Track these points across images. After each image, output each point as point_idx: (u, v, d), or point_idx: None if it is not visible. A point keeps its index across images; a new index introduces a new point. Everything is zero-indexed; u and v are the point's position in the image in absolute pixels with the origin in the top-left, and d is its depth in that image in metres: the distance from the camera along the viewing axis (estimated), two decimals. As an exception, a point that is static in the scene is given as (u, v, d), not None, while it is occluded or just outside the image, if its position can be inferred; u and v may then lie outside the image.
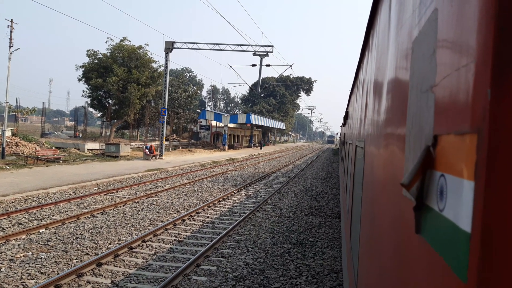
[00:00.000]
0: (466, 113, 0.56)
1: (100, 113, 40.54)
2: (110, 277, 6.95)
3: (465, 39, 0.58)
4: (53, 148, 27.98)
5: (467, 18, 0.58)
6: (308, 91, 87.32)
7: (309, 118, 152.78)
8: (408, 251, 0.93)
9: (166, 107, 29.91)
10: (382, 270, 1.43)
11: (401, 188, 1.03)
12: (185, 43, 30.51)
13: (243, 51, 30.69)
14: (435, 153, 0.71)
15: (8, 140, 26.05)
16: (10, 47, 24.26)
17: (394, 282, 1.14)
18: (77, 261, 7.56)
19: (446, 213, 0.62)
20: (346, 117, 10.37)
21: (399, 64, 1.29)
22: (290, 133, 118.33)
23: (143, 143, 35.64)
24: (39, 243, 8.44)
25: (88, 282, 6.67)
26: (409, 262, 0.92)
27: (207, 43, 30.48)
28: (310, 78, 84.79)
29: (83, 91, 37.63)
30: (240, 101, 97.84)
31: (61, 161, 23.24)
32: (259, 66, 32.40)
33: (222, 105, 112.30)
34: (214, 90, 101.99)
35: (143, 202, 13.31)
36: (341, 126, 22.27)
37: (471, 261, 0.50)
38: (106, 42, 36.37)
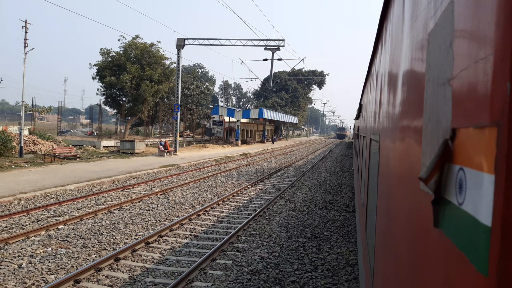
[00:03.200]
0: (485, 106, 0.56)
1: (115, 111, 41.01)
2: (128, 271, 7.07)
3: (483, 31, 0.58)
4: (70, 146, 28.44)
5: (485, 10, 0.57)
6: (320, 84, 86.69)
7: (322, 112, 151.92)
8: (426, 245, 0.93)
9: (179, 103, 30.08)
10: (399, 264, 1.43)
11: (419, 181, 1.02)
12: (196, 39, 30.57)
13: (255, 45, 30.61)
14: (454, 147, 0.71)
15: (26, 139, 26.57)
16: (25, 47, 24.65)
17: (411, 276, 1.14)
18: (95, 256, 7.70)
19: (465, 207, 0.61)
20: (359, 110, 10.28)
21: (414, 57, 1.28)
22: (303, 127, 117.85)
23: (157, 140, 35.97)
24: (58, 239, 8.62)
25: (107, 276, 6.80)
26: (427, 255, 0.91)
27: (218, 39, 30.48)
28: (322, 71, 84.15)
29: (98, 89, 38.11)
30: (252, 96, 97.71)
31: (77, 159, 23.63)
32: (270, 60, 32.33)
33: (234, 101, 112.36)
34: (226, 86, 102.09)
35: (159, 198, 13.46)
36: (354, 119, 22.09)
37: (491, 254, 0.50)
38: (119, 40, 36.63)
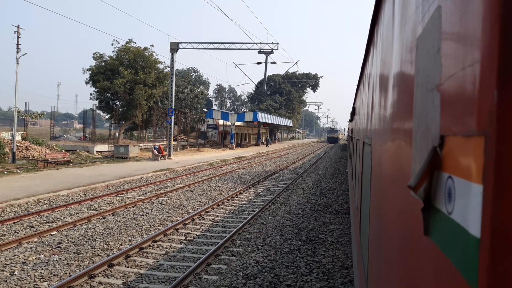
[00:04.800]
0: (472, 114, 0.55)
1: (108, 115, 40.80)
2: (121, 277, 7.01)
3: (470, 38, 0.57)
4: (63, 151, 28.22)
5: (471, 16, 0.56)
6: (314, 87, 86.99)
7: (316, 114, 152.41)
8: (416, 252, 0.92)
9: (173, 107, 30.01)
10: (391, 269, 1.42)
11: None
12: (190, 43, 30.55)
13: (248, 49, 30.65)
14: (442, 154, 0.69)
15: (18, 144, 26.32)
16: (17, 52, 24.49)
17: (404, 282, 1.13)
18: (89, 263, 7.63)
19: (454, 216, 0.60)
20: (353, 113, 10.31)
21: (404, 61, 1.27)
22: (297, 129, 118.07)
23: (152, 144, 35.81)
24: (51, 245, 8.53)
25: (100, 283, 6.73)
26: (417, 263, 0.90)
27: (212, 43, 30.49)
28: (316, 74, 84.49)
29: (91, 94, 37.87)
30: (246, 99, 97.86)
31: (71, 164, 23.46)
32: (264, 63, 32.37)
33: (228, 104, 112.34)
34: (220, 89, 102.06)
35: (153, 203, 13.38)
36: (348, 122, 22.17)
37: (480, 267, 0.49)
38: (112, 44, 36.47)
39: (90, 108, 43.20)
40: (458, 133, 0.61)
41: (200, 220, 11.40)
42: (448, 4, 0.70)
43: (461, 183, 0.58)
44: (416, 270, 0.91)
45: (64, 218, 10.92)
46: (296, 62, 36.23)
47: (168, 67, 34.19)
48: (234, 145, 45.97)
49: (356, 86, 9.56)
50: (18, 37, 24.71)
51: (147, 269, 7.50)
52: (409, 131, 1.09)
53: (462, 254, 0.56)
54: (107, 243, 8.83)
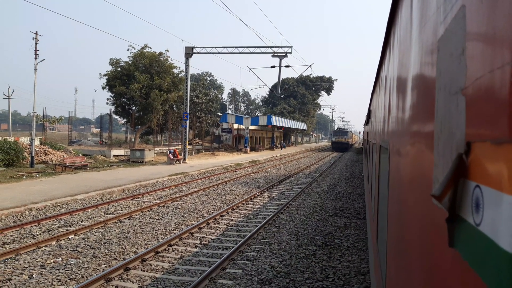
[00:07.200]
0: (503, 120, 0.51)
1: (124, 120, 41.39)
2: (137, 281, 7.04)
3: (499, 38, 0.53)
4: (80, 155, 28.67)
5: (501, 16, 0.53)
6: (328, 90, 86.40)
7: (331, 118, 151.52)
8: (440, 263, 0.88)
9: (188, 111, 30.22)
10: (412, 278, 1.37)
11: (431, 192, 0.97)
12: (204, 47, 30.75)
13: (262, 53, 30.69)
14: (468, 162, 0.65)
15: (37, 149, 26.86)
16: (35, 58, 25.03)
17: None
18: (105, 266, 7.69)
19: (483, 229, 0.56)
20: (368, 116, 10.19)
21: (424, 63, 1.23)
22: (311, 133, 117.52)
23: (167, 148, 36.13)
24: (68, 249, 8.64)
25: (117, 286, 6.78)
26: (442, 274, 0.86)
27: (226, 47, 30.64)
28: (330, 77, 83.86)
29: (107, 99, 38.52)
30: (260, 103, 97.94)
31: (88, 168, 23.80)
32: (278, 67, 32.34)
33: (242, 108, 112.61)
34: (234, 93, 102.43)
35: (168, 206, 13.45)
36: (363, 125, 21.94)
37: None
38: (128, 50, 37.17)
39: (107, 113, 43.88)
40: (486, 140, 0.57)
41: (215, 224, 11.40)
42: (473, 3, 0.66)
43: (491, 193, 0.54)
44: (441, 281, 0.87)
45: (81, 221, 11.06)
46: (310, 65, 36.09)
47: (183, 71, 34.49)
48: (248, 149, 45.99)
49: (371, 89, 9.45)
50: (36, 44, 25.27)
51: (162, 273, 7.52)
52: (430, 135, 1.05)
53: (493, 270, 0.52)
54: (123, 247, 8.90)
